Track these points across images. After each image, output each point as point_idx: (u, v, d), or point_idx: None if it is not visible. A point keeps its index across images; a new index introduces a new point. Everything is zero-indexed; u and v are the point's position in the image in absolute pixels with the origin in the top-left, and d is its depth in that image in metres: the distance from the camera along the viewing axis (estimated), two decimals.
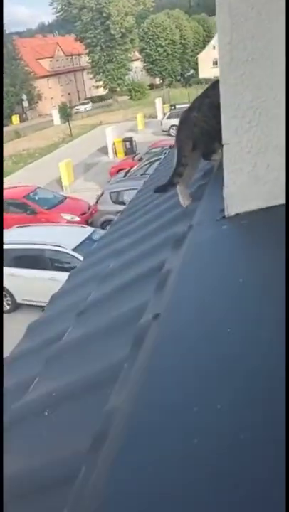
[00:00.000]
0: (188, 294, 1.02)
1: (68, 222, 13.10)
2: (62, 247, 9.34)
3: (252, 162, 1.14)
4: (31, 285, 9.24)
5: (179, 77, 61.15)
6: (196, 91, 42.66)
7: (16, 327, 8.07)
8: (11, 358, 1.85)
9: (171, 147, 16.71)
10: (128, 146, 23.06)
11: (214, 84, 1.54)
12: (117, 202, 13.02)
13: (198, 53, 63.57)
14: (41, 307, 9.27)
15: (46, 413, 1.08)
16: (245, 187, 1.17)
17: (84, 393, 1.03)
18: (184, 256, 1.16)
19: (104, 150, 24.99)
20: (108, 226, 13.64)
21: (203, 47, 64.62)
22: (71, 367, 1.27)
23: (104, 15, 47.91)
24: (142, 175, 14.83)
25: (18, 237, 9.99)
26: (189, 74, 63.60)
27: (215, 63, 60.52)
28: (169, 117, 27.03)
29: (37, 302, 9.31)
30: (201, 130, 1.59)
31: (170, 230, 1.58)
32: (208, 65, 61.25)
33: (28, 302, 9.46)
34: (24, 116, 50.39)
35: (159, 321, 0.93)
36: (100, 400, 0.88)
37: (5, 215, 13.41)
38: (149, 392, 0.76)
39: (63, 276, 9.37)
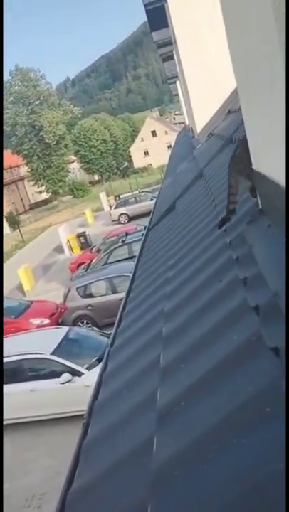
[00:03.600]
0: None
1: (38, 326, 12.64)
2: (40, 353, 8.85)
3: None
4: (11, 401, 8.52)
5: (115, 171, 64.82)
6: (134, 180, 45.14)
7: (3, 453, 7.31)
8: None
9: (127, 233, 17.13)
10: (82, 240, 23.43)
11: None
12: (85, 296, 12.86)
13: (129, 147, 68.35)
14: (27, 423, 8.54)
15: None
16: None
17: None
18: None
19: (59, 249, 25.19)
20: (81, 322, 13.27)
21: (132, 140, 69.86)
22: None
23: (36, 127, 51.03)
24: (103, 265, 14.93)
25: None
26: (124, 166, 67.74)
27: (146, 153, 65.10)
28: (116, 207, 28.11)
29: (22, 419, 8.59)
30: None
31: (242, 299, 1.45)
32: (140, 156, 65.72)
33: (11, 421, 8.65)
34: None
35: None
36: None
37: None
38: None
39: (46, 384, 8.78)
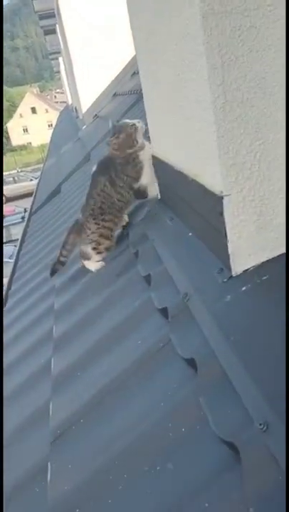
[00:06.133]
0: None
1: None
2: None
3: (257, 211, 1.01)
4: None
5: None
6: (13, 158, 42.78)
7: None
8: None
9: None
10: None
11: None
12: None
13: (6, 122, 64.37)
14: None
15: None
16: (252, 238, 1.03)
17: None
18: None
19: None
20: None
21: (10, 116, 65.90)
22: None
23: None
24: None
25: None
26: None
27: (25, 130, 62.10)
28: None
29: None
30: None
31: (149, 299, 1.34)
32: (19, 133, 62.41)
33: None
34: None
35: None
36: None
37: None
38: None
39: None
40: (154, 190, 1.87)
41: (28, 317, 2.19)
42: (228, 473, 0.75)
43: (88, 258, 1.91)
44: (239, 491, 0.70)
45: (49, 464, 1.12)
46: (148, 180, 1.85)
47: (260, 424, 0.73)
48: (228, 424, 0.79)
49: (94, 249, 1.88)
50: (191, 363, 0.99)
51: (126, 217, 1.97)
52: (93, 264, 1.91)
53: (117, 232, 1.94)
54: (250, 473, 0.70)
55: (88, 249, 1.89)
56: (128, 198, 1.87)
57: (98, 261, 1.90)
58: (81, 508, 0.95)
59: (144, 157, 1.82)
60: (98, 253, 1.89)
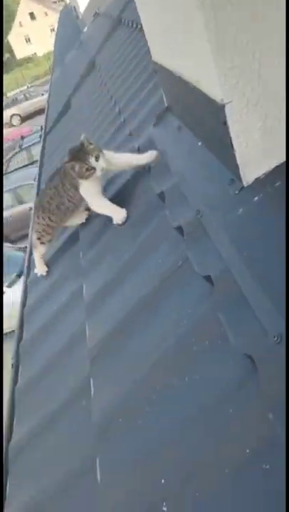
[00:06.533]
0: None
1: None
2: None
3: (262, 114, 0.94)
4: None
5: None
6: (20, 74, 40.80)
7: None
8: None
9: (22, 137, 15.90)
10: None
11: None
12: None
13: (6, 36, 60.37)
14: None
15: None
16: (259, 145, 0.97)
17: None
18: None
19: None
20: None
21: (10, 27, 61.55)
22: None
23: None
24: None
25: None
26: (6, 58, 60.44)
27: (28, 40, 58.28)
28: (5, 108, 25.45)
29: None
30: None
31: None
32: (21, 44, 58.73)
33: None
34: None
35: None
36: None
37: None
38: None
39: None
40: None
41: (56, 245, 2.22)
42: (248, 382, 0.79)
43: (35, 247, 1.96)
44: (259, 399, 0.75)
45: (91, 379, 1.22)
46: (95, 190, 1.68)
47: (275, 337, 0.75)
48: (245, 337, 0.82)
49: (38, 239, 1.89)
50: (208, 279, 1.00)
51: (85, 214, 1.93)
52: (38, 268, 2.01)
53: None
54: (267, 382, 0.74)
55: (34, 237, 1.92)
56: (78, 200, 1.73)
57: (42, 257, 1.99)
58: (123, 417, 1.04)
59: (89, 184, 1.63)
60: (41, 243, 1.91)
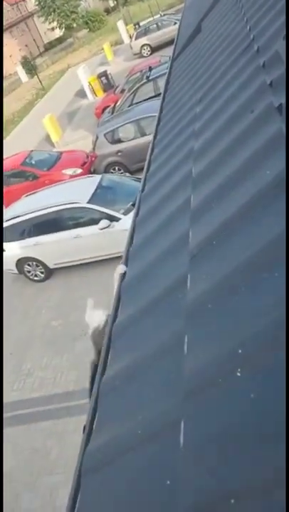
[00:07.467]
0: None
1: (71, 176, 12.69)
2: (77, 202, 9.06)
3: None
4: (59, 248, 9.12)
5: None
6: (154, 1, 39.63)
7: (56, 293, 8.09)
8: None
9: (150, 68, 15.78)
10: (105, 81, 21.77)
11: None
12: (114, 142, 12.49)
13: None
14: (75, 266, 9.23)
15: None
16: None
17: None
18: None
19: (81, 93, 23.80)
20: (112, 169, 13.12)
21: None
22: None
23: None
24: (129, 107, 14.11)
25: (29, 205, 9.74)
26: None
27: None
28: (136, 38, 25.19)
29: (70, 263, 9.25)
30: None
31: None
32: None
33: (60, 265, 9.41)
34: None
35: None
36: None
37: (9, 188, 13.10)
38: None
39: (87, 231, 9.19)
40: None
41: (166, 185, 2.21)
42: None
43: None
44: None
45: (188, 275, 1.33)
46: None
47: None
48: None
49: None
50: None
51: None
52: None
53: None
54: None
55: None
56: None
57: None
58: (212, 303, 1.14)
59: None
60: None
